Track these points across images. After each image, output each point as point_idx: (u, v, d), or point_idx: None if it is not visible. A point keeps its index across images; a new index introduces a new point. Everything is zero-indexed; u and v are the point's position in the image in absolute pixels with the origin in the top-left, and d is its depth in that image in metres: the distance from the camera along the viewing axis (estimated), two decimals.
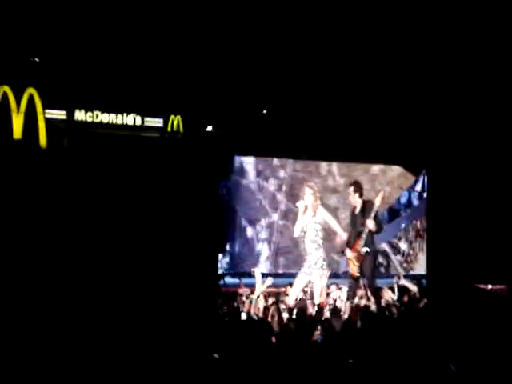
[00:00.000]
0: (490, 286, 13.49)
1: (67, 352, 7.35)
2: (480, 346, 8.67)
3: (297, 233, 11.40)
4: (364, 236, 11.32)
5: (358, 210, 11.49)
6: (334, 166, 14.78)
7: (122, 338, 9.09)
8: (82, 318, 9.33)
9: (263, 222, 14.03)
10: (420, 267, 14.95)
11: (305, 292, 11.64)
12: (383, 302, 11.54)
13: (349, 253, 11.59)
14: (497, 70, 13.33)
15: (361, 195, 11.62)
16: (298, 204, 11.43)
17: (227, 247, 13.70)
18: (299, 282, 11.49)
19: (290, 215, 13.78)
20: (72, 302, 10.34)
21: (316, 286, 11.30)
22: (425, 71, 13.51)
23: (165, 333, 9.20)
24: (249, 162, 14.05)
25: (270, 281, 11.07)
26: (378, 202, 11.23)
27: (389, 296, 11.79)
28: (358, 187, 11.65)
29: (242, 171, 13.91)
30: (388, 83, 13.63)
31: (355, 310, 10.56)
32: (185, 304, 10.49)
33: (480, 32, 12.67)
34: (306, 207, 11.35)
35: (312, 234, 11.49)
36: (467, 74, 13.48)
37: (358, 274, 11.55)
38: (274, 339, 8.17)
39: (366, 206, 11.49)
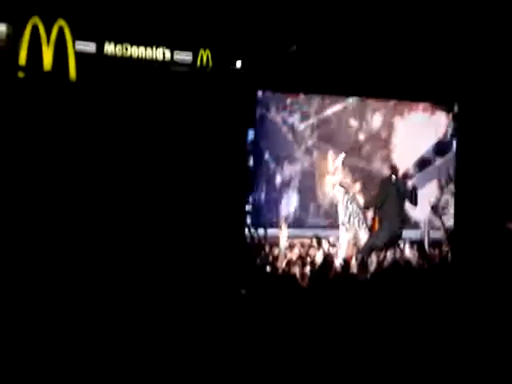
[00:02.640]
0: None
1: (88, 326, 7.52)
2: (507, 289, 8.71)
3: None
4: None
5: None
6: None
7: (150, 280, 9.24)
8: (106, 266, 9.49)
9: (291, 166, 13.74)
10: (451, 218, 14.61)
11: (332, 245, 11.80)
12: (408, 255, 11.68)
13: None
14: None
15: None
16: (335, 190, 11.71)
17: (253, 195, 13.42)
18: (344, 236, 11.72)
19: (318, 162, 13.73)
20: (86, 250, 10.50)
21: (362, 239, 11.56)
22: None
23: (191, 283, 9.34)
24: (276, 98, 13.88)
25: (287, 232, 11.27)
26: None
27: (414, 248, 11.92)
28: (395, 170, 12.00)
29: (268, 107, 13.77)
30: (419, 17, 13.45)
31: (380, 262, 10.73)
32: (210, 256, 10.63)
33: None
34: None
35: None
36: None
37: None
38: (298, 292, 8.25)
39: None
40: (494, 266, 9.77)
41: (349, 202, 11.91)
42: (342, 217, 11.91)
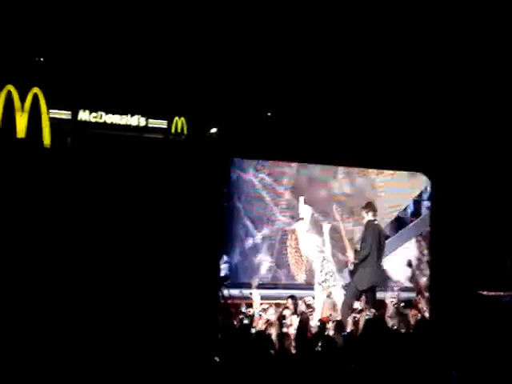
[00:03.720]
0: (493, 293, 13.47)
1: (64, 358, 7.38)
2: (482, 353, 8.65)
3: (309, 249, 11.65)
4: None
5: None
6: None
7: (124, 345, 9.11)
8: (80, 332, 9.37)
9: (266, 229, 13.75)
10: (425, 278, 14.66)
11: (307, 306, 11.72)
12: (384, 314, 11.61)
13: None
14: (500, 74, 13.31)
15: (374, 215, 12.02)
16: (324, 228, 11.73)
17: (228, 255, 13.39)
18: (319, 297, 11.64)
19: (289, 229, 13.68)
20: (68, 310, 10.38)
21: (337, 299, 11.51)
22: (426, 72, 13.52)
23: (165, 340, 9.19)
24: (252, 164, 13.89)
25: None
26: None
27: (391, 307, 11.86)
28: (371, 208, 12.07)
29: (244, 169, 13.77)
30: (392, 86, 13.61)
31: (357, 322, 10.62)
32: (184, 314, 10.50)
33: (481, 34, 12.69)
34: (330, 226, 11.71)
35: (326, 248, 11.77)
36: (471, 77, 13.49)
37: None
38: (273, 352, 8.16)
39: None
40: (467, 328, 9.76)
41: (324, 262, 11.84)
42: (317, 277, 11.82)
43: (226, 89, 12.93)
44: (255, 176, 13.77)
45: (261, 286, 12.23)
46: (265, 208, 13.65)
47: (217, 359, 8.40)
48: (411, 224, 14.72)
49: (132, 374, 8.37)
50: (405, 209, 14.77)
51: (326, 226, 12.33)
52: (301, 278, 12.67)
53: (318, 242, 11.93)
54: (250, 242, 13.47)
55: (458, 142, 14.30)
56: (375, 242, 12.18)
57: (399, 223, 14.60)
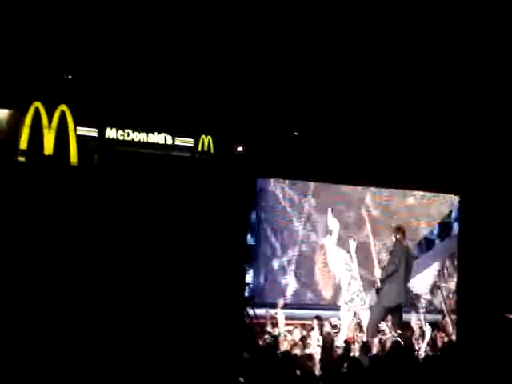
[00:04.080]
0: None
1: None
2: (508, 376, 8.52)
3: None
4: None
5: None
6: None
7: (150, 364, 9.04)
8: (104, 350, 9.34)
9: (291, 250, 13.65)
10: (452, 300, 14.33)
11: (333, 326, 11.63)
12: (410, 336, 11.50)
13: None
14: None
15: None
16: (351, 245, 11.71)
17: (254, 275, 13.15)
18: (345, 317, 11.57)
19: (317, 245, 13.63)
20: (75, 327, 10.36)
21: (363, 319, 11.45)
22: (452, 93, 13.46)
23: (190, 359, 9.10)
24: (277, 185, 13.81)
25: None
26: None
27: (417, 330, 11.75)
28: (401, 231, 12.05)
29: (270, 193, 13.70)
30: (419, 106, 13.53)
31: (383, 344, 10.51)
32: (209, 333, 10.44)
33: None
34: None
35: (353, 265, 11.72)
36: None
37: None
38: (298, 373, 8.06)
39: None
40: (495, 353, 9.63)
41: (352, 280, 11.74)
42: (344, 296, 11.71)
43: (253, 107, 12.91)
44: (280, 193, 13.68)
45: (286, 306, 12.12)
46: (291, 226, 13.54)
47: (241, 380, 8.31)
48: (439, 245, 14.56)
49: None
50: (434, 229, 14.63)
51: (353, 244, 12.20)
52: (327, 295, 12.55)
53: (346, 257, 11.82)
54: (275, 260, 13.37)
55: (489, 161, 14.17)
56: (403, 260, 12.08)
57: (428, 244, 14.44)
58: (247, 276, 12.96)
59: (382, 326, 11.75)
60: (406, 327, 11.85)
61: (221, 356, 9.84)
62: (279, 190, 13.31)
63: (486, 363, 8.90)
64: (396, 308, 11.81)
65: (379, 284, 11.88)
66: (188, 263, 11.80)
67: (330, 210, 12.60)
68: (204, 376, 9.28)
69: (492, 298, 13.74)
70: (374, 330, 11.48)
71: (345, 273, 11.79)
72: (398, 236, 12.12)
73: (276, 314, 11.76)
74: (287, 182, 13.40)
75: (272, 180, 13.35)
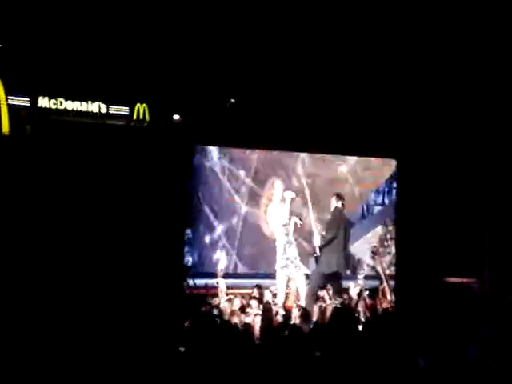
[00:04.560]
0: (458, 280, 13.44)
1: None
2: (448, 340, 8.60)
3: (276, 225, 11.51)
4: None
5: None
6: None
7: (85, 335, 8.92)
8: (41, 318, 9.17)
9: (228, 214, 13.63)
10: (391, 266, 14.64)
11: (274, 295, 11.60)
12: (350, 303, 11.53)
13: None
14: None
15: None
16: (285, 194, 11.60)
17: (192, 245, 13.24)
18: (281, 283, 11.53)
19: (255, 207, 13.62)
20: (30, 299, 10.18)
21: (300, 286, 11.40)
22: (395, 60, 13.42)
23: (128, 330, 9.01)
24: (214, 151, 13.73)
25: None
26: None
27: (356, 297, 11.79)
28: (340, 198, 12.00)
29: (207, 159, 13.63)
30: (357, 69, 13.44)
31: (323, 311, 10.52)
32: (148, 305, 10.35)
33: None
34: (292, 199, 11.58)
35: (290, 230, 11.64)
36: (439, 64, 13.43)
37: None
38: (239, 342, 7.99)
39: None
40: (434, 315, 9.73)
41: (287, 246, 11.68)
42: (279, 262, 11.67)
43: (189, 75, 12.72)
44: (218, 163, 13.62)
45: (226, 276, 12.08)
46: (227, 196, 13.53)
47: (182, 349, 8.24)
48: (379, 210, 14.66)
49: (94, 365, 8.15)
50: (374, 195, 14.72)
51: (289, 194, 12.08)
52: (266, 263, 12.52)
53: (284, 218, 11.77)
54: (215, 231, 13.36)
55: (427, 127, 14.23)
56: (342, 228, 12.06)
57: (368, 209, 14.56)
58: (187, 246, 12.92)
59: (322, 293, 11.76)
60: (345, 294, 11.90)
61: (161, 327, 9.77)
62: (216, 165, 13.31)
63: (425, 328, 8.99)
64: (335, 275, 11.81)
65: (318, 252, 11.85)
66: (126, 234, 11.69)
67: (278, 181, 12.56)
68: (143, 346, 9.19)
69: (431, 263, 13.89)
70: (314, 298, 11.48)
71: (282, 237, 11.74)
72: (337, 204, 12.09)
73: (217, 283, 11.70)
74: (226, 154, 13.36)
75: (210, 151, 13.29)
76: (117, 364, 7.75)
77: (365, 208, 14.60)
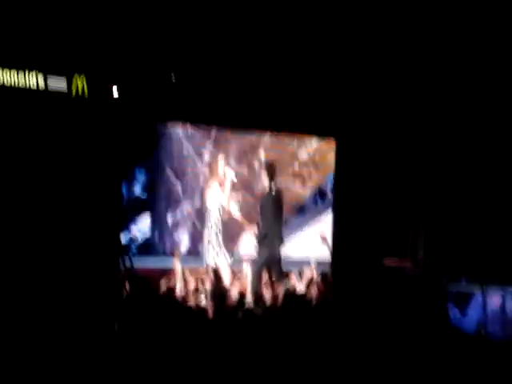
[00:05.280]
0: (394, 262, 13.53)
1: None
2: (390, 322, 8.71)
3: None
4: None
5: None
6: None
7: (16, 316, 8.67)
8: None
9: (189, 202, 13.36)
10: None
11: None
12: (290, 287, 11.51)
13: None
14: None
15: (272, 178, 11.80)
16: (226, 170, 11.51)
17: (149, 225, 12.96)
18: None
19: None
20: None
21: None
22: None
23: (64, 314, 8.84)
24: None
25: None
26: None
27: (294, 281, 11.80)
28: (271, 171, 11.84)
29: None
30: (300, 46, 13.28)
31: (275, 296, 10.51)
32: (87, 286, 10.12)
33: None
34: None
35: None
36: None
37: None
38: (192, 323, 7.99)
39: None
40: (371, 301, 9.88)
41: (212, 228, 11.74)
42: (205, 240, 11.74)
43: (131, 46, 12.33)
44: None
45: (182, 257, 11.93)
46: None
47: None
48: (330, 195, 14.68)
49: (28, 347, 7.98)
50: (325, 180, 14.70)
51: (230, 172, 12.03)
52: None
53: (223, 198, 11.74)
54: (171, 212, 13.21)
55: (367, 107, 14.19)
56: (273, 212, 11.97)
57: (320, 195, 14.59)
58: (138, 226, 12.68)
59: (266, 277, 11.78)
60: (292, 278, 11.90)
61: (105, 309, 9.64)
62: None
63: (365, 311, 9.13)
64: (275, 261, 11.79)
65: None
66: (63, 211, 11.39)
67: (221, 156, 12.45)
68: (80, 325, 9.10)
69: (370, 246, 13.94)
70: (258, 283, 11.43)
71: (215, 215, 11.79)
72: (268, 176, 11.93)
73: (172, 264, 11.57)
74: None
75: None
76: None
77: (319, 194, 14.52)
